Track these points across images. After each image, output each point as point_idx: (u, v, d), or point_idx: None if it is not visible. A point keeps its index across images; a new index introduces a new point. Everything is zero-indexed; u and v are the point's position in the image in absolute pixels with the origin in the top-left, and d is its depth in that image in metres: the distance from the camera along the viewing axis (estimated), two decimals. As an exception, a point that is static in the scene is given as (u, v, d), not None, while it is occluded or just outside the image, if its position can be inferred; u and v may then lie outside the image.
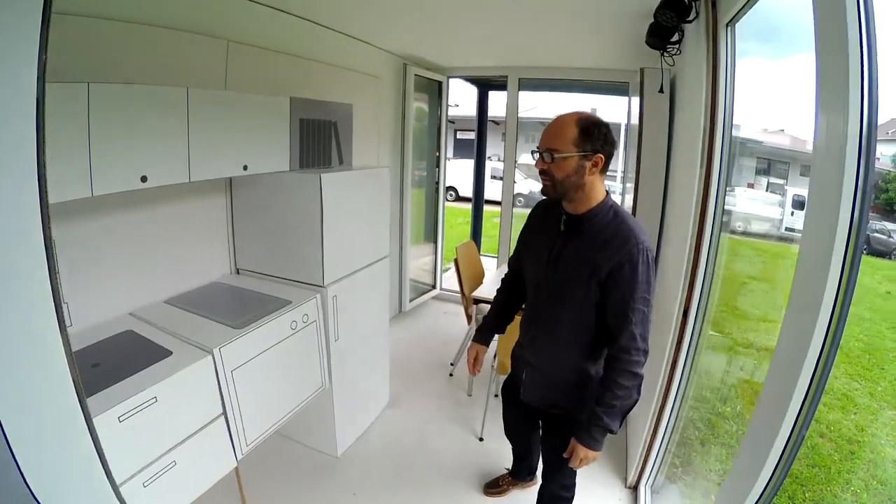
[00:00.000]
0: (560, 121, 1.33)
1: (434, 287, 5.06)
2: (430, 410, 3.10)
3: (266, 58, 2.51)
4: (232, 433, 1.86)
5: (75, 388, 0.84)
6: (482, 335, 1.87)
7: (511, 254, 1.83)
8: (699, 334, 1.98)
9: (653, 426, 2.18)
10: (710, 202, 1.83)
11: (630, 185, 2.92)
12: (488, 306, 3.14)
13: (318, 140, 2.52)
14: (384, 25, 3.07)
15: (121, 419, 1.43)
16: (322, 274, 2.32)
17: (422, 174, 4.81)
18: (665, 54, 2.25)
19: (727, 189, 1.90)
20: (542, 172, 1.36)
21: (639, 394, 1.39)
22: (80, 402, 0.85)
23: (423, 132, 4.70)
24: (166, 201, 2.14)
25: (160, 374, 1.58)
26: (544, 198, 1.50)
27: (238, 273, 2.61)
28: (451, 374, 3.54)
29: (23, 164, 0.79)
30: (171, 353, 1.72)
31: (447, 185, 12.25)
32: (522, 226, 1.71)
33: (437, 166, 4.81)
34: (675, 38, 2.14)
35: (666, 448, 2.23)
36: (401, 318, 4.55)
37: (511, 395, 1.84)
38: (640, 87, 2.58)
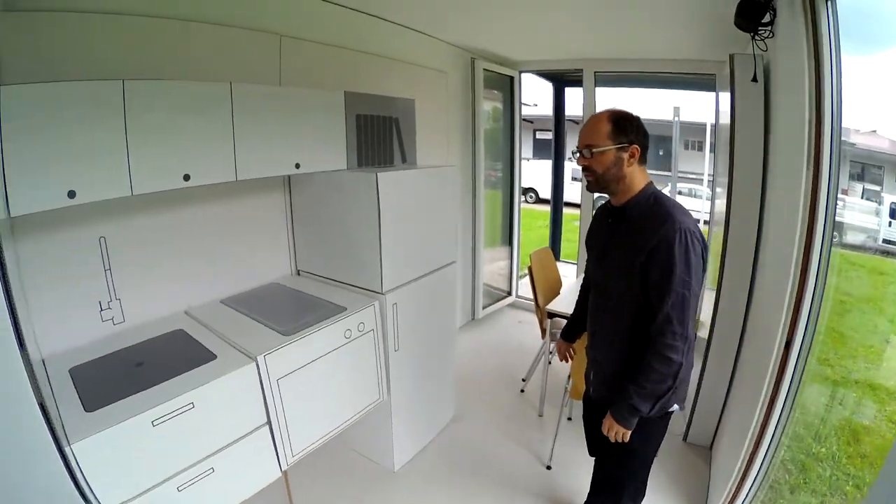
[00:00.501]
0: (594, 118, 1.43)
1: (510, 294, 4.79)
2: (497, 429, 2.85)
3: (322, 53, 2.44)
4: (276, 443, 1.77)
5: (42, 411, 0.73)
6: (565, 333, 1.99)
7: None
8: (803, 369, 1.63)
9: (741, 472, 1.82)
10: (820, 211, 1.51)
11: (721, 190, 2.50)
12: (564, 321, 2.91)
13: (378, 137, 2.40)
14: (449, 18, 2.91)
15: (154, 423, 1.37)
16: (381, 280, 2.18)
17: (497, 175, 4.60)
18: (756, 37, 1.97)
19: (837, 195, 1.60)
20: (584, 169, 1.44)
21: (674, 381, 1.38)
22: (48, 424, 0.74)
23: (498, 131, 4.48)
24: (226, 198, 2.14)
25: (200, 380, 1.52)
26: (604, 202, 1.60)
27: (299, 274, 2.56)
28: (522, 391, 3.26)
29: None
30: (216, 357, 1.66)
31: (526, 186, 12.01)
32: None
33: (512, 166, 4.54)
34: (767, 18, 1.89)
35: (754, 496, 1.84)
36: (473, 325, 4.34)
37: (587, 404, 1.82)
38: (731, 76, 2.18)
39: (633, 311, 1.43)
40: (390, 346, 2.27)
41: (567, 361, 2.06)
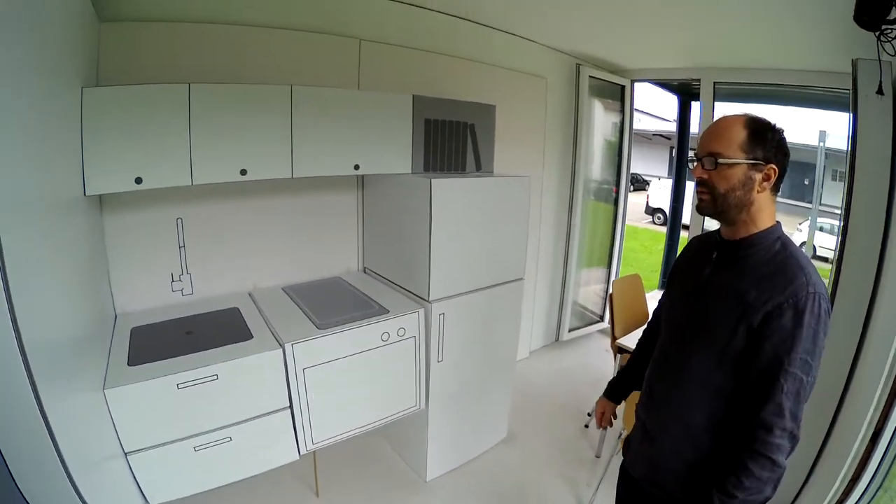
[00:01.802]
0: (725, 121, 1.11)
1: (601, 319, 4.43)
2: (546, 461, 2.65)
3: (403, 56, 2.50)
4: (297, 428, 1.87)
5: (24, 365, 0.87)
6: (611, 390, 1.62)
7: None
8: (889, 468, 1.29)
9: None
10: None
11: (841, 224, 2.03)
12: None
13: (450, 143, 2.38)
14: (550, 20, 2.75)
15: (179, 386, 1.55)
16: (428, 288, 2.16)
17: (618, 191, 4.27)
18: (882, 38, 1.56)
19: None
20: (700, 183, 1.13)
21: (774, 491, 1.06)
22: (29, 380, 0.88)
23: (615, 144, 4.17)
24: (301, 192, 2.33)
25: (228, 355, 1.67)
26: (700, 234, 1.33)
27: (365, 272, 2.67)
28: (585, 426, 2.99)
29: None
30: (252, 337, 1.81)
31: (655, 206, 11.03)
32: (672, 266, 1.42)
33: (617, 183, 4.18)
34: (894, 14, 1.51)
35: None
36: (555, 347, 4.10)
37: (624, 475, 1.49)
38: (853, 86, 1.72)
39: (722, 383, 1.12)
40: (433, 356, 2.24)
41: (604, 428, 1.66)
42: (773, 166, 1.06)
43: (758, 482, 1.03)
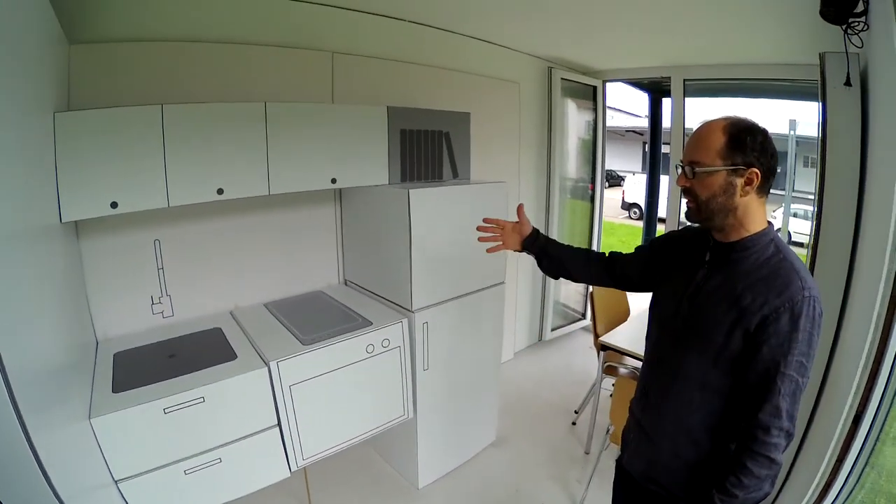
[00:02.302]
0: (705, 127, 1.11)
1: (583, 317, 4.51)
2: (536, 461, 2.70)
3: (376, 67, 2.52)
4: (286, 445, 1.87)
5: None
6: (535, 234, 1.57)
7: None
8: (878, 436, 1.37)
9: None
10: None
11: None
12: (619, 355, 2.66)
13: (426, 152, 2.42)
14: (522, 27, 2.81)
15: (166, 411, 1.54)
16: (410, 298, 2.19)
17: (595, 188, 4.35)
18: (849, 31, 1.61)
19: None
20: (684, 192, 1.15)
21: (772, 486, 1.10)
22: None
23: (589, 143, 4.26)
24: (279, 208, 2.32)
25: (213, 377, 1.66)
26: (696, 228, 1.28)
27: (346, 284, 2.68)
28: (573, 423, 3.06)
29: None
30: (237, 357, 1.80)
31: (631, 201, 11.26)
32: (661, 236, 1.42)
33: (593, 181, 4.27)
34: (861, 7, 1.58)
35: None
36: (538, 347, 4.16)
37: (619, 472, 1.50)
38: (821, 79, 1.78)
39: (719, 383, 1.13)
40: (419, 365, 2.26)
41: (484, 236, 1.61)
42: (756, 170, 1.05)
43: (756, 480, 1.06)
